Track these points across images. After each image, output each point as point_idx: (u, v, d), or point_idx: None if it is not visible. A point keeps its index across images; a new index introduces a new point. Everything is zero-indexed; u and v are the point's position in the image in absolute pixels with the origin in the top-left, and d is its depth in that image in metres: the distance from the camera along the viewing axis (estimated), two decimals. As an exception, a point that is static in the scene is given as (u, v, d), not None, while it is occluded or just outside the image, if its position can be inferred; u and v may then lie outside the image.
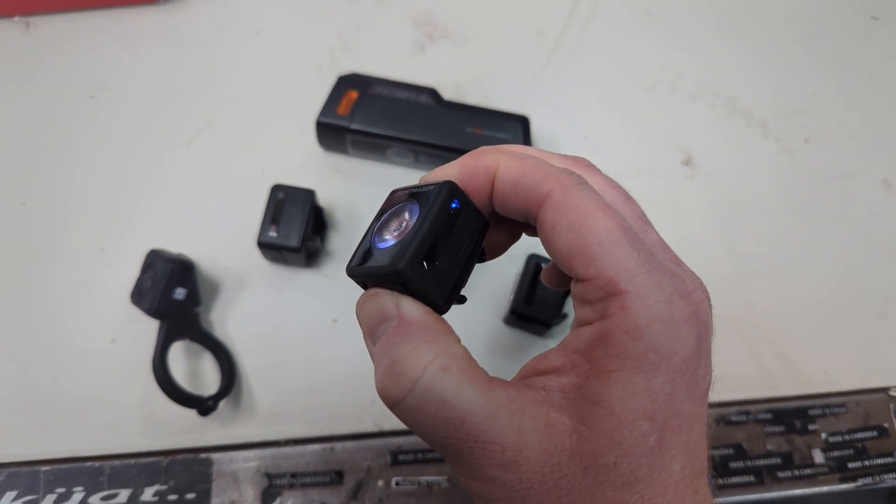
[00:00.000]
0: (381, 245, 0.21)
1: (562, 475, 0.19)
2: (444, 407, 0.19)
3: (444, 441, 0.19)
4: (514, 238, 0.26)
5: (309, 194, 0.39)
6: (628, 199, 0.23)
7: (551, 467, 0.19)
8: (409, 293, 0.20)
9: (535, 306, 0.39)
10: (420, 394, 0.19)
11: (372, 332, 0.21)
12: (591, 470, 0.19)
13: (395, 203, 0.22)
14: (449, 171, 0.23)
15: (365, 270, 0.21)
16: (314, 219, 0.40)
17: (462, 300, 0.23)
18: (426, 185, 0.22)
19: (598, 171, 0.23)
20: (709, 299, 0.21)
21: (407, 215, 0.21)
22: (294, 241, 0.38)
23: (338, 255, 0.43)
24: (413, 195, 0.22)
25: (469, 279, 0.22)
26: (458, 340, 0.21)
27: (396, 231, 0.21)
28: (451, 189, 0.21)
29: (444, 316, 0.22)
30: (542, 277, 0.28)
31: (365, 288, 0.22)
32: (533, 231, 0.24)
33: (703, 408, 0.20)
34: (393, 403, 0.20)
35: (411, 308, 0.20)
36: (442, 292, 0.21)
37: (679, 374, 0.19)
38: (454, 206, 0.21)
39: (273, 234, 0.39)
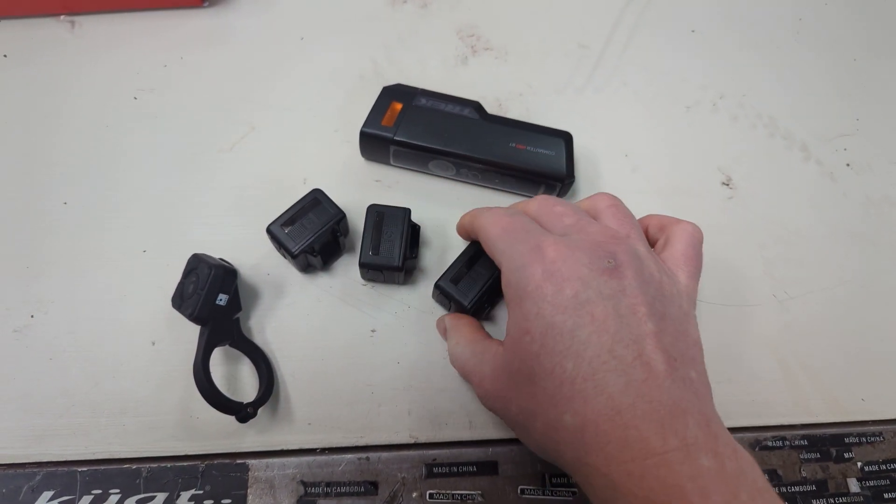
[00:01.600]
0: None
1: (500, 382, 0.30)
2: (458, 361, 0.35)
3: (466, 378, 0.35)
4: None
5: (405, 212, 0.40)
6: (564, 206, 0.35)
7: (495, 380, 0.31)
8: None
9: (382, 255, 0.39)
10: (453, 357, 0.36)
11: (444, 334, 0.39)
12: (511, 376, 0.30)
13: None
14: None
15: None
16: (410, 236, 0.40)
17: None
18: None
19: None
20: (586, 249, 0.29)
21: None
22: (396, 261, 0.39)
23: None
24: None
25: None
26: (472, 324, 0.37)
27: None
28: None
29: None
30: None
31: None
32: None
33: (582, 318, 0.27)
34: (453, 364, 0.36)
35: (449, 319, 0.38)
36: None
37: (538, 297, 0.28)
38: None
39: (372, 254, 0.39)
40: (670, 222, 0.35)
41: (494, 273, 0.38)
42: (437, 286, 0.39)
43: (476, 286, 0.38)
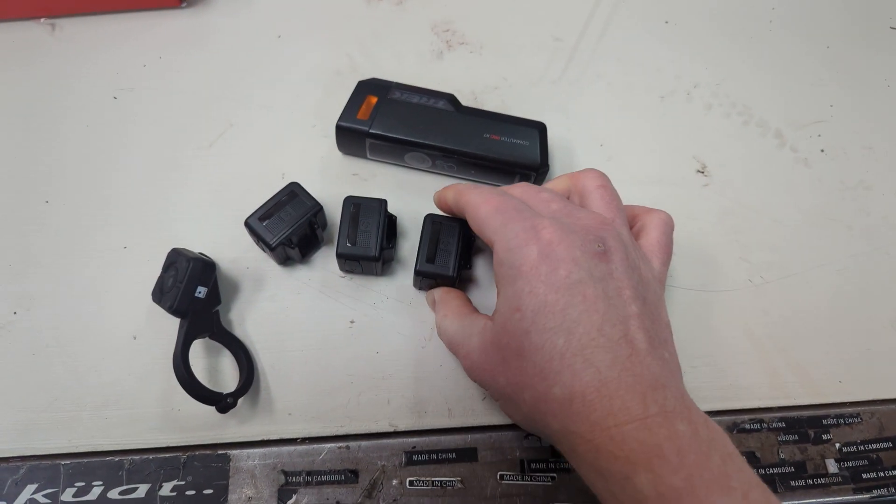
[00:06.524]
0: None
1: (488, 355, 0.31)
2: (445, 334, 0.36)
3: (453, 351, 0.36)
4: None
5: (382, 203, 0.40)
6: (596, 175, 0.36)
7: (483, 353, 0.32)
8: (434, 279, 0.39)
9: (437, 263, 0.39)
10: (440, 330, 0.37)
11: (433, 307, 0.40)
12: (499, 349, 0.30)
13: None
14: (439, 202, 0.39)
15: (418, 272, 0.39)
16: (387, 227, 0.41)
17: (468, 266, 0.41)
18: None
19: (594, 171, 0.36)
20: (578, 232, 0.30)
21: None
22: (372, 251, 0.39)
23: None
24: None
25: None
26: (461, 297, 0.38)
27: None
28: (428, 217, 0.39)
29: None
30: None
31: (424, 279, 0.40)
32: None
33: (574, 297, 0.28)
34: (440, 336, 0.37)
35: (438, 292, 0.39)
36: (448, 269, 0.38)
37: (532, 276, 0.29)
38: (434, 222, 0.39)
39: (349, 244, 0.39)
40: (643, 211, 0.37)
41: (461, 235, 0.39)
42: (417, 273, 0.39)
43: (450, 255, 0.39)
